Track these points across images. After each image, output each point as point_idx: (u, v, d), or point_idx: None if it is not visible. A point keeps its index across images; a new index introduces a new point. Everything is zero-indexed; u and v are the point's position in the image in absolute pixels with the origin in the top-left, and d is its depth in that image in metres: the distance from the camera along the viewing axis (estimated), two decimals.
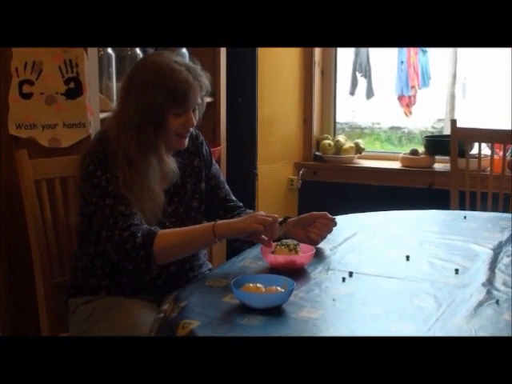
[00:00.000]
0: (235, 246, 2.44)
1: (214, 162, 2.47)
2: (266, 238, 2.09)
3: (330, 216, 2.31)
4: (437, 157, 4.25)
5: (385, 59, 5.78)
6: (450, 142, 3.59)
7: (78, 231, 2.32)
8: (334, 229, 2.34)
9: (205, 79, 2.22)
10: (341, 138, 4.53)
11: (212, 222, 2.08)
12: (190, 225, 2.22)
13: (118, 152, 2.15)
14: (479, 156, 3.55)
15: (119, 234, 2.06)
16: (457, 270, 2.09)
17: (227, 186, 2.48)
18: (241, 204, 2.47)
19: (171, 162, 2.23)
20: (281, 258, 2.08)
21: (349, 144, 4.48)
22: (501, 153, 3.82)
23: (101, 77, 2.99)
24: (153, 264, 2.07)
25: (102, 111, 2.90)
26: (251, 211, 2.45)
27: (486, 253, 2.29)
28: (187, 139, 2.26)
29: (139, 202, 2.13)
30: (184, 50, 3.35)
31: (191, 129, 2.24)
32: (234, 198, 2.47)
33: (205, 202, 2.40)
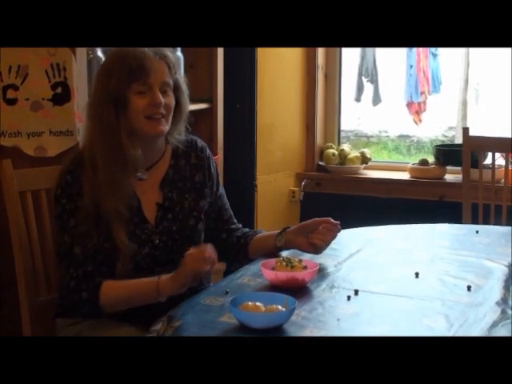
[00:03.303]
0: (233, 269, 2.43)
1: (219, 180, 2.47)
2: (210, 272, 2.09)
3: (334, 221, 2.32)
4: (448, 167, 4.26)
5: (393, 63, 5.80)
6: (462, 152, 3.59)
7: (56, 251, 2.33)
8: (339, 244, 2.35)
9: (168, 53, 2.21)
10: (346, 146, 4.55)
11: (155, 279, 2.07)
12: (184, 244, 2.22)
13: (87, 158, 2.17)
14: (493, 166, 3.56)
15: (67, 282, 2.14)
16: (469, 288, 2.10)
17: (229, 207, 2.49)
18: (240, 225, 2.50)
19: (134, 150, 2.18)
20: (282, 274, 2.09)
21: (354, 153, 4.49)
22: None
23: (90, 81, 3.00)
24: (103, 315, 2.14)
25: None
26: (247, 229, 2.48)
27: (500, 269, 2.29)
28: (163, 124, 2.20)
29: (111, 199, 2.13)
30: (179, 51, 3.36)
31: (163, 111, 2.18)
32: (235, 219, 2.50)
33: (209, 223, 2.40)
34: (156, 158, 2.29)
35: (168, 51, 2.23)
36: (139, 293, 2.12)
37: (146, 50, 2.15)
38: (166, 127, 2.22)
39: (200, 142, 2.41)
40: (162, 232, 2.25)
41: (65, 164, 2.24)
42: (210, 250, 2.01)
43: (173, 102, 2.22)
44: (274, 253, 2.34)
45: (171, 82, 2.21)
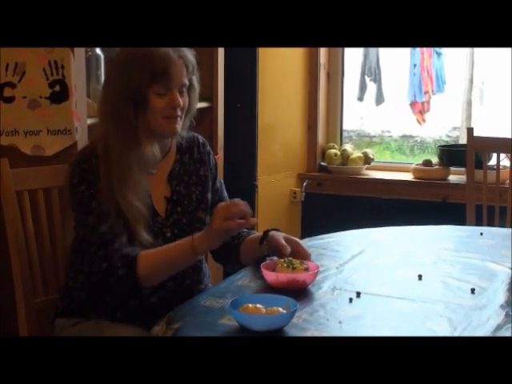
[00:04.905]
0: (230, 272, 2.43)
1: (217, 175, 2.49)
2: (244, 227, 2.15)
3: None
4: (452, 168, 4.27)
5: (396, 62, 5.79)
6: (467, 152, 3.59)
7: (72, 246, 2.34)
8: (341, 245, 2.36)
9: (189, 55, 2.24)
10: (348, 147, 4.55)
11: (189, 239, 2.12)
12: None
13: (101, 149, 2.18)
14: (497, 167, 3.56)
15: (99, 263, 2.13)
16: (473, 291, 2.10)
17: None
18: None
19: (151, 148, 2.22)
20: (283, 276, 2.09)
21: (356, 154, 4.49)
22: None
23: (88, 79, 3.01)
24: (142, 289, 2.13)
25: (89, 117, 2.91)
26: (248, 231, 2.46)
27: (504, 272, 2.29)
28: (179, 124, 2.25)
29: (123, 193, 2.15)
30: None
31: (179, 112, 2.23)
32: None
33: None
34: (163, 153, 2.32)
35: (188, 51, 2.25)
36: (176, 254, 2.15)
37: (170, 51, 2.17)
38: (180, 126, 2.27)
39: (201, 138, 2.46)
40: (172, 225, 2.29)
41: (77, 155, 2.27)
42: (238, 205, 2.07)
43: (187, 102, 2.27)
44: (263, 258, 2.32)
45: (187, 83, 2.25)
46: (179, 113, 2.23)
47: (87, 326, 2.24)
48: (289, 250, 2.22)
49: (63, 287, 2.35)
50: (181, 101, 2.22)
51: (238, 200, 2.10)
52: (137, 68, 2.16)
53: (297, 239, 2.32)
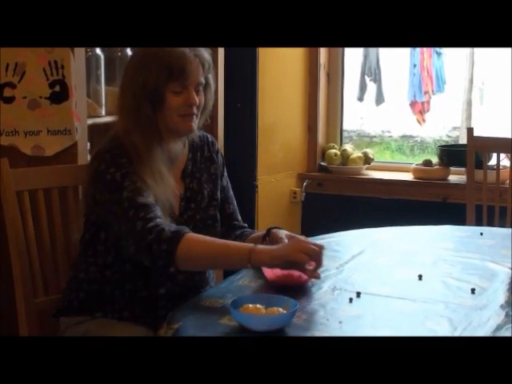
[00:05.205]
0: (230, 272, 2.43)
1: (225, 174, 2.52)
2: (311, 268, 2.08)
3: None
4: (452, 168, 4.27)
5: (396, 62, 5.80)
6: (467, 152, 3.59)
7: (81, 241, 2.34)
8: (341, 245, 2.36)
9: (205, 54, 2.26)
10: (348, 147, 4.55)
11: (250, 246, 2.06)
12: (206, 234, 2.22)
13: (127, 144, 2.20)
14: (498, 167, 3.56)
15: (142, 225, 2.08)
16: (473, 291, 2.10)
17: (235, 203, 2.52)
18: (245, 225, 2.51)
19: (174, 144, 2.28)
20: (278, 270, 2.10)
21: (357, 154, 4.49)
22: None
23: (88, 80, 3.01)
24: (172, 265, 2.06)
25: (89, 117, 2.91)
26: (248, 230, 2.48)
27: (504, 272, 2.29)
28: (194, 122, 2.27)
29: (151, 187, 2.17)
30: None
31: (195, 110, 2.25)
32: (239, 217, 2.52)
33: None
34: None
35: (204, 50, 2.27)
36: (228, 251, 2.10)
37: (187, 50, 2.19)
38: (196, 124, 2.29)
39: (210, 137, 2.50)
40: (186, 222, 2.30)
41: (103, 145, 2.27)
42: (320, 249, 2.08)
43: (203, 100, 2.30)
44: None
45: (203, 81, 2.28)
46: (195, 111, 2.26)
47: (93, 324, 2.24)
48: None
49: (70, 281, 2.34)
50: (197, 99, 2.24)
51: (322, 245, 2.11)
52: (154, 67, 2.19)
53: (300, 237, 2.29)
